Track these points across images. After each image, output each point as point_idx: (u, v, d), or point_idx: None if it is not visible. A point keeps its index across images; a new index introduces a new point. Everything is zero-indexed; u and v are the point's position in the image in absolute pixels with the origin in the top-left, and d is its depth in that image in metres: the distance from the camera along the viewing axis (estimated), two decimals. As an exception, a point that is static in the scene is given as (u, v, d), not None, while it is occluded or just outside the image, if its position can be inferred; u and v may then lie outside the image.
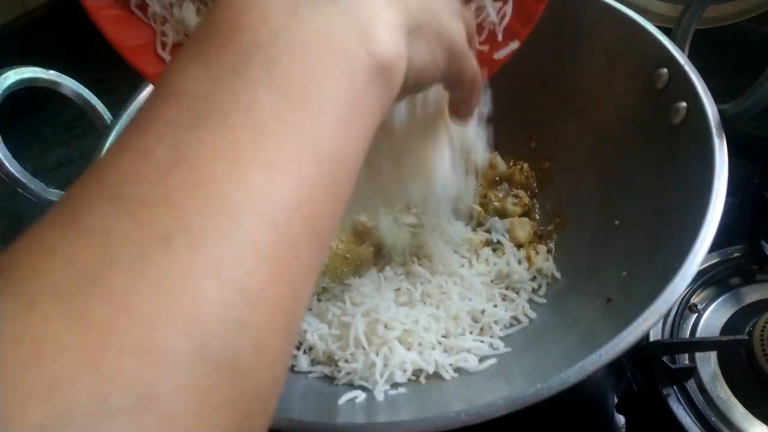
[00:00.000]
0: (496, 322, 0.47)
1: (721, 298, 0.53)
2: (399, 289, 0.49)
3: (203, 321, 0.17)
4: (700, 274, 0.53)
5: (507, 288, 0.51)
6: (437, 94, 0.38)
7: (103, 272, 0.16)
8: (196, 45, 0.22)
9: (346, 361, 0.45)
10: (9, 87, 0.42)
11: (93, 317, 0.16)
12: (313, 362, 0.45)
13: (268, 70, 0.21)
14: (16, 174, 0.43)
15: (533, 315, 0.49)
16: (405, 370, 0.43)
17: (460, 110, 0.38)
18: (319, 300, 0.48)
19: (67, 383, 0.15)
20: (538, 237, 0.56)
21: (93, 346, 0.15)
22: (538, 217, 0.58)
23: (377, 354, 0.44)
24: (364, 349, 0.45)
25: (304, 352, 0.46)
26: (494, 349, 0.46)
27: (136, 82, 0.51)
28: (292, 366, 0.46)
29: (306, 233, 0.20)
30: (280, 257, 0.19)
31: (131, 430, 0.15)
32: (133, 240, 0.17)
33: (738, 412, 0.45)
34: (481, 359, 0.45)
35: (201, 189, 0.18)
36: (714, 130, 0.44)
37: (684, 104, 0.48)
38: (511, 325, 0.49)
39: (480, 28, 0.45)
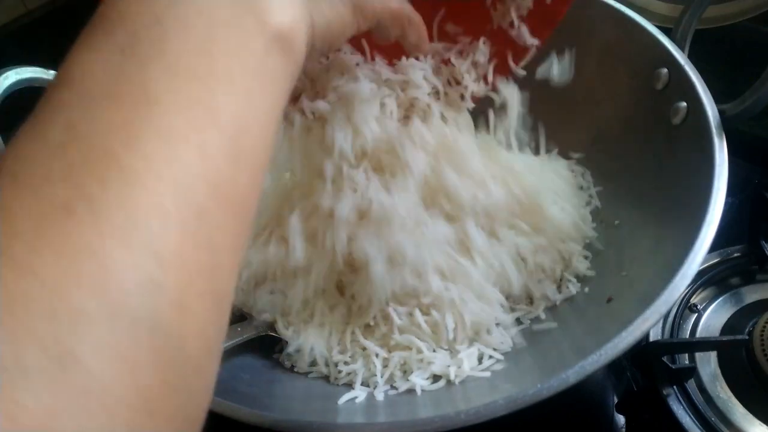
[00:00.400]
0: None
1: (721, 298, 0.53)
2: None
3: (114, 281, 0.17)
4: (700, 274, 0.53)
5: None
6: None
7: (6, 243, 0.16)
8: (85, 35, 0.22)
9: (346, 363, 0.45)
10: (9, 87, 0.42)
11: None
12: (313, 363, 0.45)
13: (156, 48, 0.21)
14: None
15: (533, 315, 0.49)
16: (404, 372, 0.43)
17: (405, 47, 0.38)
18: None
19: None
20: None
21: (1, 311, 0.15)
22: (538, 217, 0.58)
23: (377, 355, 0.44)
24: (364, 350, 0.45)
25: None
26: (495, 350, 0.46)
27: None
28: (292, 366, 0.46)
29: (215, 198, 0.20)
30: (188, 221, 0.19)
31: (52, 390, 0.15)
32: (33, 212, 0.17)
33: (738, 412, 0.45)
34: (481, 360, 0.45)
35: (99, 161, 0.18)
36: (714, 130, 0.44)
37: (684, 104, 0.48)
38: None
39: None
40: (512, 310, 0.48)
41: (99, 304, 0.16)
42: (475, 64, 0.48)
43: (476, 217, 0.46)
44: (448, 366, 0.43)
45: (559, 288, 0.49)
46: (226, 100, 0.22)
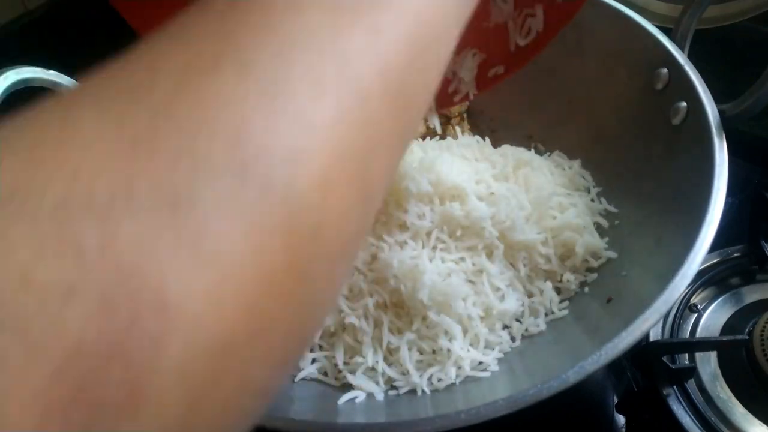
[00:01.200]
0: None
1: (721, 298, 0.53)
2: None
3: (252, 138, 0.15)
4: (700, 274, 0.53)
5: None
6: None
7: (145, 88, 0.15)
8: None
9: (346, 363, 0.45)
10: (9, 87, 0.42)
11: (127, 122, 0.15)
12: (314, 361, 0.45)
13: None
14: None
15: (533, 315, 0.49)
16: (404, 373, 0.43)
17: None
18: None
19: (91, 172, 0.14)
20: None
21: (123, 144, 0.14)
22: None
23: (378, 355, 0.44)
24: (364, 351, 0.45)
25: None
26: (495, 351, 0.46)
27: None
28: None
29: (381, 86, 0.18)
30: (345, 99, 0.17)
31: (156, 229, 0.14)
32: (180, 61, 0.16)
33: (738, 412, 0.45)
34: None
35: (257, 27, 0.17)
36: (714, 130, 0.44)
37: (684, 104, 0.48)
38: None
39: None
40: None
41: (230, 158, 0.15)
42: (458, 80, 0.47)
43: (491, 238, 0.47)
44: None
45: (558, 289, 0.49)
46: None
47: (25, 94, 0.44)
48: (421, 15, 0.20)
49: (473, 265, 0.47)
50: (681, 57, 0.49)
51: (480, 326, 0.45)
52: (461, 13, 0.23)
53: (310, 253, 0.16)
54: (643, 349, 0.47)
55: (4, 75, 0.42)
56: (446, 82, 0.46)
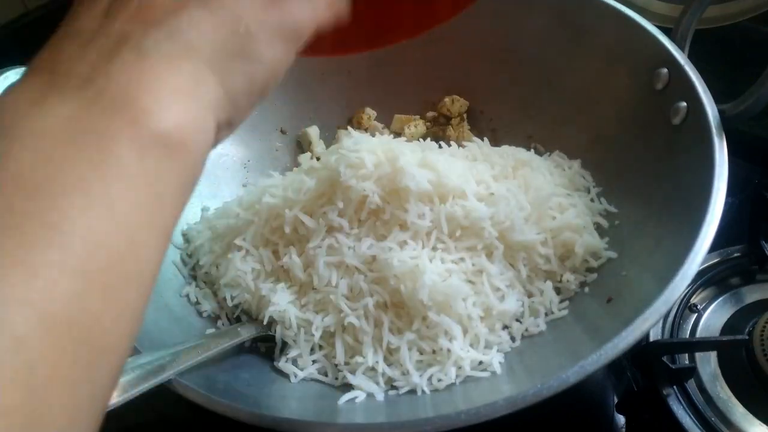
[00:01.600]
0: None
1: (721, 298, 0.53)
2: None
3: None
4: (700, 274, 0.53)
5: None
6: None
7: None
8: None
9: (346, 363, 0.45)
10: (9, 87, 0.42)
11: None
12: (314, 361, 0.45)
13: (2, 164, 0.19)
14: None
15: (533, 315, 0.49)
16: (404, 373, 0.43)
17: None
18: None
19: None
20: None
21: None
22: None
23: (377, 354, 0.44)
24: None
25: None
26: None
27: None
28: (294, 363, 0.46)
29: (41, 327, 0.18)
30: None
31: None
32: None
33: (738, 412, 0.45)
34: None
35: None
36: (714, 130, 0.44)
37: (684, 104, 0.48)
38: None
39: None
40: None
41: None
42: None
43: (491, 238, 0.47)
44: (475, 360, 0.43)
45: (558, 289, 0.49)
46: (76, 214, 0.19)
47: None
48: (96, 235, 0.20)
49: (473, 265, 0.47)
50: (681, 57, 0.49)
51: (480, 326, 0.45)
52: (165, 204, 0.22)
53: None
54: (643, 349, 0.47)
55: (4, 75, 0.42)
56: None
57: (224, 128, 0.26)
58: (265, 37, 0.25)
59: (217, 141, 0.25)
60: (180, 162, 0.23)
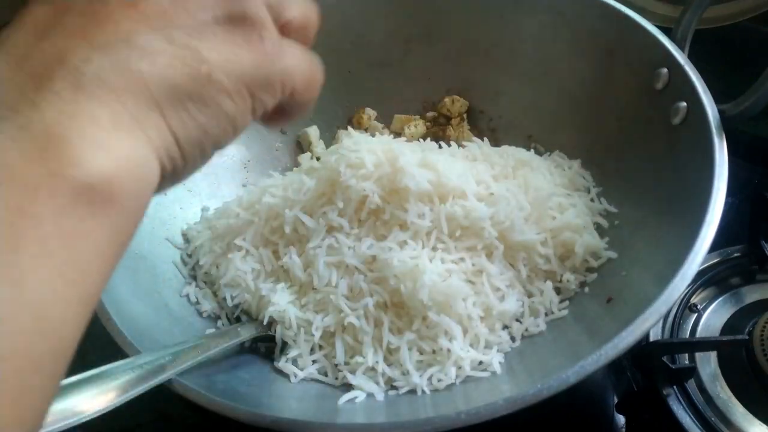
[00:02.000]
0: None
1: (721, 298, 0.53)
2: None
3: None
4: (700, 274, 0.53)
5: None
6: None
7: None
8: None
9: (346, 363, 0.45)
10: (9, 87, 0.42)
11: None
12: (314, 361, 0.45)
13: None
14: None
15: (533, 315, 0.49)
16: (404, 373, 0.43)
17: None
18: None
19: None
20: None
21: None
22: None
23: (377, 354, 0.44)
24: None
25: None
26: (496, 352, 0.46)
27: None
28: (294, 363, 0.46)
29: None
30: None
31: None
32: None
33: (738, 412, 0.45)
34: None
35: None
36: (714, 130, 0.44)
37: (684, 104, 0.47)
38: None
39: None
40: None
41: None
42: None
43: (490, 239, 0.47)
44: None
45: (558, 289, 0.49)
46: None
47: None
48: (4, 337, 0.17)
49: (473, 265, 0.47)
50: (681, 57, 0.49)
51: (480, 326, 0.45)
52: (81, 314, 0.20)
53: None
54: (643, 349, 0.47)
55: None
56: None
57: (168, 178, 0.23)
58: (230, 87, 0.22)
59: (159, 190, 0.22)
60: (109, 218, 0.20)
